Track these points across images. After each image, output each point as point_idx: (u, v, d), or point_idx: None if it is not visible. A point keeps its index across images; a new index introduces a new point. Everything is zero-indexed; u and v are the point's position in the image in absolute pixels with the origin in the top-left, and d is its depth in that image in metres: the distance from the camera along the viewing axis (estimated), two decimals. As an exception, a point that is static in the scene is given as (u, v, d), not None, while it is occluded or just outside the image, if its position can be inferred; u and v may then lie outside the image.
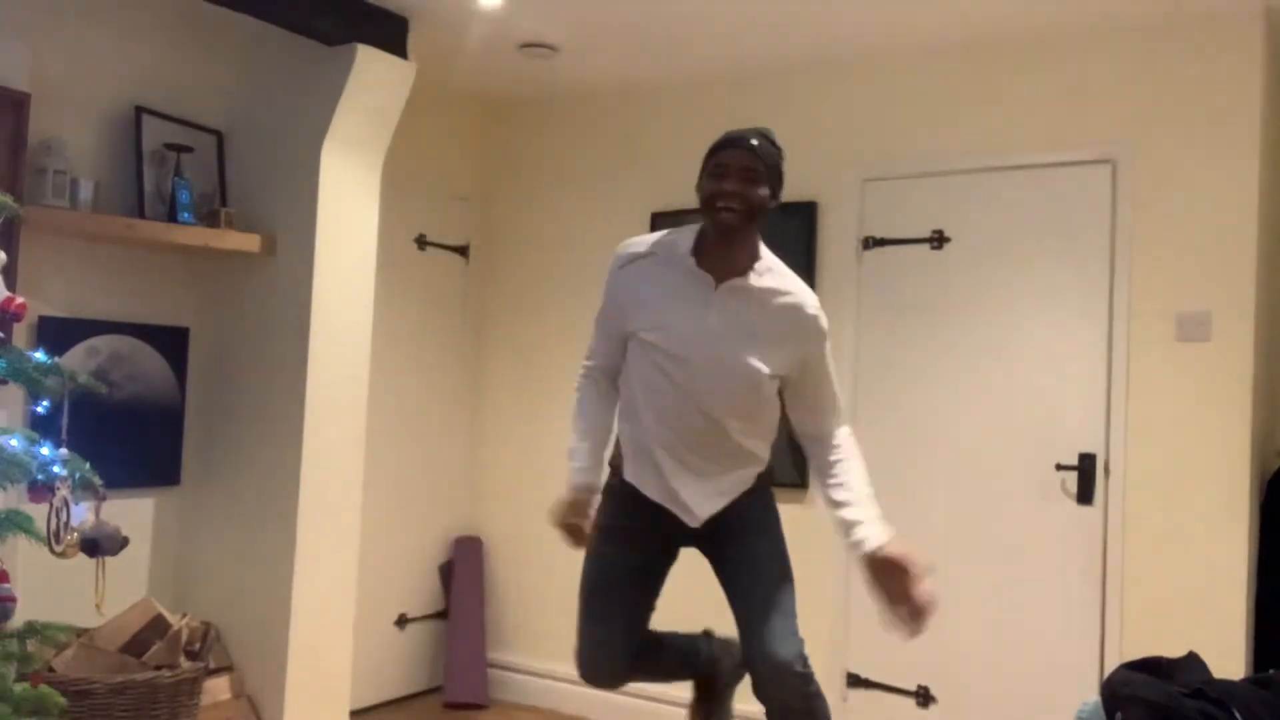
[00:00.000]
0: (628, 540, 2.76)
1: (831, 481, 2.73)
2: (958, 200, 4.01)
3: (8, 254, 2.62)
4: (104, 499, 2.67)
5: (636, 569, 2.79)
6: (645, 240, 2.74)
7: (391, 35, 3.95)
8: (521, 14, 3.90)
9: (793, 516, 4.22)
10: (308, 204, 3.84)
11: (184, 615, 3.57)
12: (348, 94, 3.81)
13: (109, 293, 3.76)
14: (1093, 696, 2.78)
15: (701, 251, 2.62)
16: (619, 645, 2.77)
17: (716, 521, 2.72)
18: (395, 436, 4.59)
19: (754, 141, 2.59)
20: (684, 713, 4.44)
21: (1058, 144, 3.83)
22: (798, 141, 4.36)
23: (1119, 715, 2.52)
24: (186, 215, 3.75)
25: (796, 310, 2.62)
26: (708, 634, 2.99)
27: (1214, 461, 3.54)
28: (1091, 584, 3.70)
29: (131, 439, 3.79)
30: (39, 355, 2.53)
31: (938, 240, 4.04)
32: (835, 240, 4.23)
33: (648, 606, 2.83)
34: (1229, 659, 3.40)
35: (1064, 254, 3.81)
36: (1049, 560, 3.77)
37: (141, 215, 3.68)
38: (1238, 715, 2.39)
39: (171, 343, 3.94)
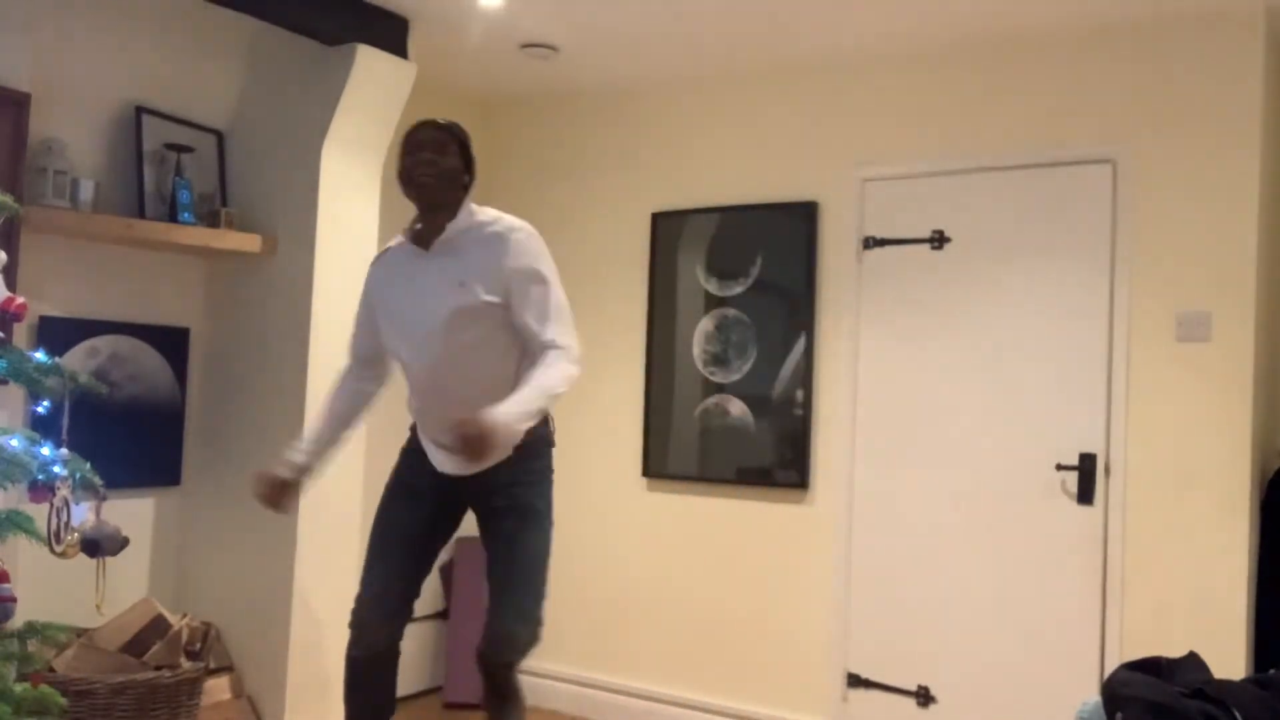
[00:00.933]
0: (411, 497, 3.05)
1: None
2: (958, 200, 4.01)
3: (8, 254, 2.62)
4: (104, 499, 2.67)
5: (405, 522, 3.05)
6: (391, 242, 3.10)
7: (391, 35, 3.95)
8: (521, 14, 3.90)
9: (792, 517, 4.26)
10: (308, 204, 3.84)
11: (184, 615, 3.57)
12: (348, 94, 3.81)
13: (109, 293, 3.77)
14: (1093, 696, 2.78)
15: (415, 232, 2.99)
16: (396, 603, 3.03)
17: (488, 485, 2.94)
18: (395, 436, 4.58)
19: (440, 120, 2.97)
20: (684, 713, 4.47)
21: (1058, 144, 3.83)
22: (798, 141, 4.39)
23: (1119, 715, 2.52)
24: (187, 215, 3.75)
25: (495, 236, 2.92)
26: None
27: (1214, 461, 3.54)
28: (1091, 584, 3.70)
29: (131, 439, 3.79)
30: (39, 355, 2.54)
31: (938, 240, 4.04)
32: (835, 240, 4.23)
33: (426, 564, 3.10)
34: (1229, 659, 3.40)
35: (1064, 254, 3.81)
36: (1049, 560, 3.77)
37: (141, 215, 3.69)
38: (1238, 715, 2.39)
39: (171, 343, 3.94)
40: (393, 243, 3.10)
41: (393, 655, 3.08)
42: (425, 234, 2.97)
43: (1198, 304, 3.59)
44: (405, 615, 3.07)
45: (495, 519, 3.01)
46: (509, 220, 2.98)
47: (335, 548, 3.91)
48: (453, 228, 2.93)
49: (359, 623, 3.02)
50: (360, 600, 3.04)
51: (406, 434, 3.18)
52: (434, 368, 2.93)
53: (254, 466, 3.90)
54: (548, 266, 2.96)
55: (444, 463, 2.99)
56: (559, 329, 2.90)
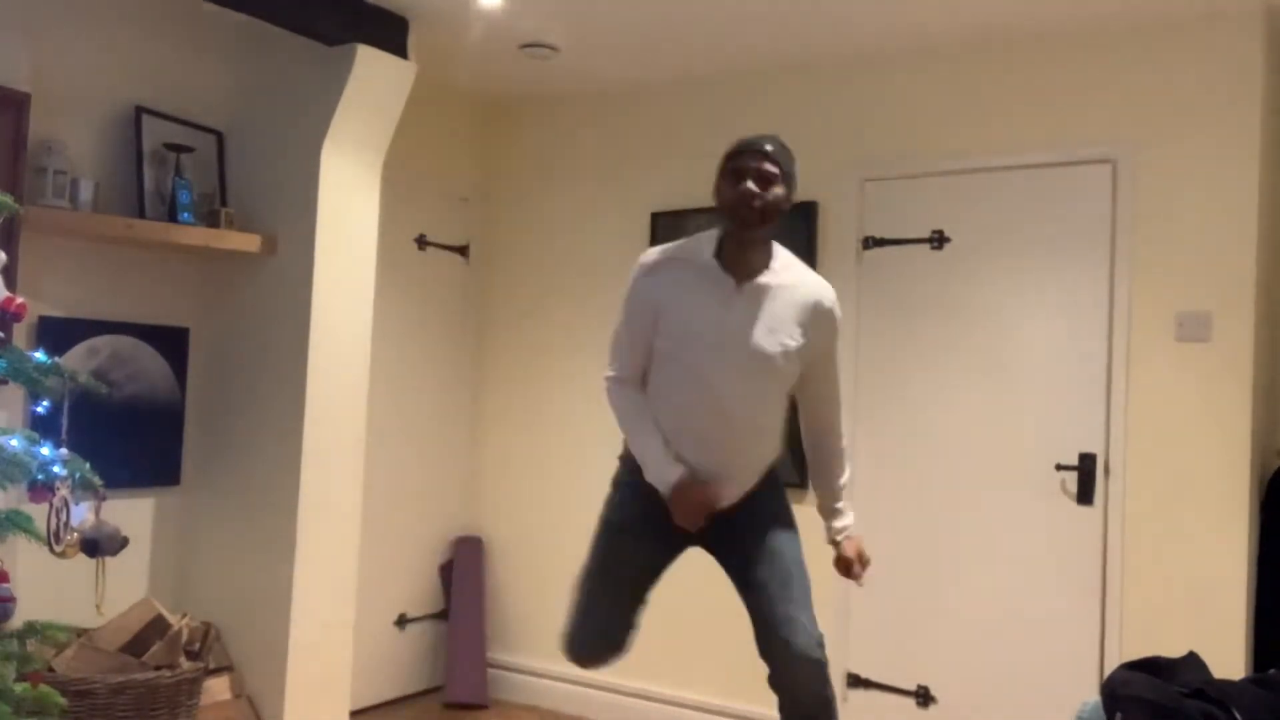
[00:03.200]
0: (637, 535, 2.84)
1: (824, 476, 2.97)
2: (958, 200, 4.01)
3: (8, 254, 2.62)
4: (104, 499, 2.67)
5: (642, 564, 2.88)
6: (668, 247, 2.84)
7: (391, 35, 3.95)
8: (521, 14, 3.90)
9: (793, 516, 4.25)
10: (308, 204, 3.84)
11: (184, 615, 3.57)
12: (348, 94, 3.81)
13: (109, 293, 3.76)
14: (1093, 696, 2.79)
15: (723, 254, 2.73)
16: (615, 635, 2.90)
17: (727, 520, 2.79)
18: (395, 436, 4.59)
19: (769, 147, 2.71)
20: (684, 713, 4.46)
21: (1058, 144, 3.83)
22: (798, 141, 4.33)
23: (1119, 715, 2.52)
24: (186, 215, 3.75)
25: (815, 303, 2.75)
26: None
27: (1214, 461, 3.54)
28: (1091, 584, 3.70)
29: (131, 439, 3.79)
30: (39, 355, 2.53)
31: (938, 240, 4.04)
32: (835, 240, 4.23)
33: (644, 600, 2.93)
34: (1229, 659, 3.40)
35: (1064, 254, 3.81)
36: (1049, 560, 3.77)
37: (141, 215, 3.69)
38: (1238, 715, 2.39)
39: (171, 343, 3.94)
40: (667, 254, 2.80)
41: (618, 656, 2.97)
42: (737, 265, 2.71)
43: (1198, 304, 3.58)
44: (625, 647, 2.94)
45: (740, 542, 2.82)
46: (827, 289, 2.80)
47: (335, 548, 3.92)
48: (775, 272, 2.73)
49: (582, 655, 2.92)
50: (582, 631, 2.90)
51: (618, 465, 2.95)
52: (726, 409, 2.72)
53: (253, 466, 3.92)
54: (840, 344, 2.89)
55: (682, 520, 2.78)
56: (840, 412, 2.93)
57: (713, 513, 2.74)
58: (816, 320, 2.75)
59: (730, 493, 2.78)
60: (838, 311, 2.81)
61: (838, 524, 2.94)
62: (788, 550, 2.81)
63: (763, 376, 2.73)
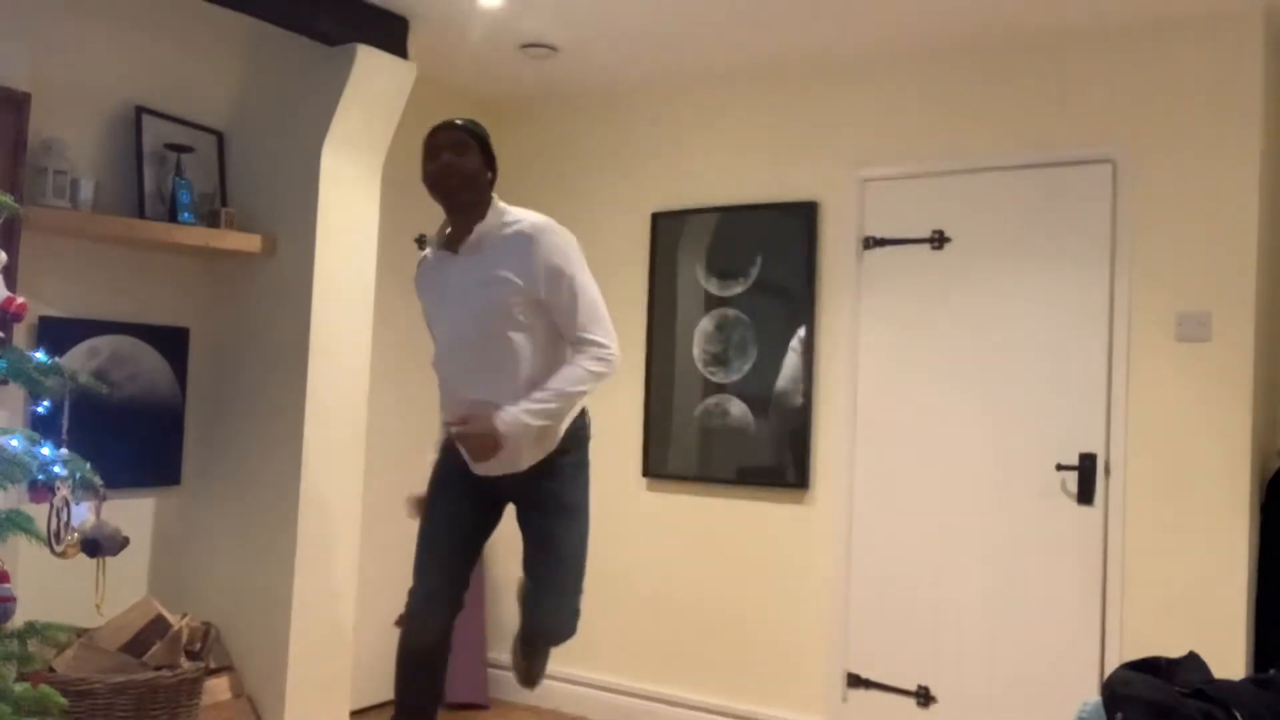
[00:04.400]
0: (454, 492, 3.11)
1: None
2: (958, 200, 4.01)
3: (8, 254, 2.62)
4: (104, 499, 2.67)
5: (464, 518, 3.13)
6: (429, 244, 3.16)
7: (391, 35, 3.95)
8: (521, 14, 3.90)
9: (792, 517, 4.26)
10: (308, 204, 3.84)
11: (184, 615, 3.57)
12: (348, 94, 3.81)
13: (109, 293, 3.76)
14: (1093, 696, 2.78)
15: (445, 236, 3.06)
16: (446, 595, 3.12)
17: (524, 479, 3.01)
18: (395, 436, 4.59)
19: (459, 121, 3.02)
20: (684, 713, 4.47)
21: (1058, 144, 3.83)
22: (798, 141, 4.38)
23: (1119, 715, 2.52)
24: (187, 215, 3.75)
25: (520, 236, 2.95)
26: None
27: (1214, 461, 3.54)
28: (1091, 584, 3.70)
29: (131, 439, 3.79)
30: (39, 355, 2.53)
31: (938, 240, 4.04)
32: (835, 240, 4.23)
33: (474, 555, 3.21)
34: (1229, 659, 3.40)
35: (1064, 254, 3.81)
36: (1049, 560, 3.77)
37: (141, 215, 3.69)
38: (1238, 715, 2.39)
39: (171, 343, 3.94)
40: (427, 248, 3.17)
41: (444, 647, 3.16)
42: (454, 237, 3.03)
43: (1198, 304, 3.59)
44: (456, 607, 3.15)
45: (532, 514, 3.09)
46: (533, 218, 2.99)
47: (335, 548, 3.92)
48: (479, 230, 2.97)
49: (412, 615, 3.12)
50: (413, 594, 3.13)
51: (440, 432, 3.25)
52: (468, 370, 2.99)
53: (253, 466, 3.92)
54: (575, 263, 2.97)
55: (476, 465, 3.02)
56: (587, 325, 2.94)
57: (495, 451, 2.87)
58: (529, 250, 2.91)
59: (510, 455, 2.92)
60: (547, 234, 2.93)
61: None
62: (568, 536, 3.07)
63: (493, 325, 2.90)
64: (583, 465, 3.12)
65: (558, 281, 2.92)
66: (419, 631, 3.12)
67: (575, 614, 3.14)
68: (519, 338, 2.93)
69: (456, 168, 2.95)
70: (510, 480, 3.04)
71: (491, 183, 3.05)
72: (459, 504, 3.12)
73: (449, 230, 3.06)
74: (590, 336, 2.94)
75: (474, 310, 2.95)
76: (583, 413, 3.13)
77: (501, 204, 3.04)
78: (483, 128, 3.06)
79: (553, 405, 2.89)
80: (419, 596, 3.12)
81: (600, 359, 2.94)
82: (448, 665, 3.21)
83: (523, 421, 2.86)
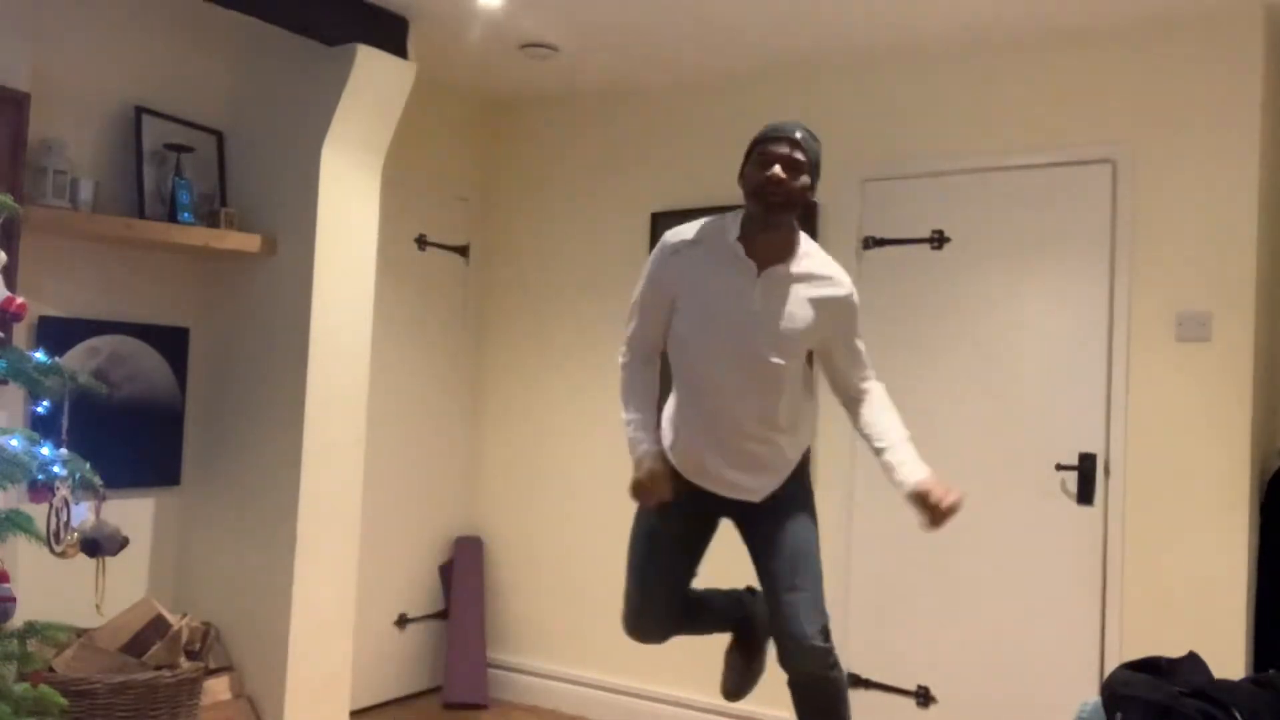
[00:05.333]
0: (671, 512, 2.86)
1: (869, 432, 2.88)
2: (958, 200, 4.01)
3: (8, 254, 2.62)
4: (104, 499, 2.67)
5: (680, 538, 2.92)
6: (691, 228, 2.86)
7: (391, 35, 3.95)
8: (521, 14, 3.90)
9: (793, 516, 4.25)
10: (308, 204, 3.84)
11: (184, 615, 3.57)
12: (348, 94, 3.81)
13: (109, 293, 3.76)
14: (1093, 696, 2.79)
15: (746, 238, 2.76)
16: (662, 610, 2.95)
17: (754, 507, 2.87)
18: (395, 436, 4.59)
19: (798, 134, 2.75)
20: (684, 713, 4.46)
21: (1058, 144, 3.83)
22: (798, 141, 4.38)
23: (1119, 715, 2.52)
24: (186, 215, 3.75)
25: (832, 293, 2.79)
26: (750, 590, 3.10)
27: (1214, 461, 3.54)
28: (1091, 584, 3.70)
29: (131, 439, 3.79)
30: (39, 355, 2.54)
31: (938, 240, 4.04)
32: (835, 240, 4.22)
33: (689, 573, 2.98)
34: (1229, 659, 3.39)
35: (1064, 254, 3.81)
36: (1049, 560, 3.77)
37: (141, 215, 3.69)
38: (1238, 715, 2.39)
39: (171, 343, 3.94)
40: (690, 235, 2.84)
41: (675, 629, 3.00)
42: (759, 250, 2.75)
43: (1198, 304, 3.58)
44: (672, 616, 2.98)
45: (768, 522, 2.87)
46: (840, 274, 2.84)
47: (335, 548, 3.92)
48: (800, 260, 2.77)
49: (633, 630, 2.98)
50: (633, 612, 2.96)
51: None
52: (741, 391, 2.78)
53: (253, 466, 3.91)
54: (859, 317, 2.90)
55: (717, 484, 2.85)
56: (864, 366, 2.92)
57: (657, 497, 2.76)
58: (833, 308, 2.80)
59: (753, 479, 2.82)
60: (854, 296, 2.85)
61: (896, 476, 2.78)
62: (802, 540, 2.84)
63: (773, 367, 2.75)
64: (809, 479, 3.01)
65: (851, 339, 2.88)
66: (645, 637, 2.99)
67: (824, 616, 2.80)
68: (790, 372, 2.80)
69: (790, 187, 2.71)
70: (738, 505, 2.88)
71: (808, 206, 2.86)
72: (681, 520, 2.90)
73: (744, 235, 2.77)
74: (874, 378, 2.93)
75: (769, 337, 2.74)
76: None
77: (803, 235, 2.84)
78: (818, 146, 2.80)
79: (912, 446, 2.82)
80: (638, 608, 2.95)
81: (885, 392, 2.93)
82: (697, 604, 3.01)
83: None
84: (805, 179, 2.72)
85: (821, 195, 4.21)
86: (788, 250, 2.76)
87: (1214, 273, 3.57)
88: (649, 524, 2.92)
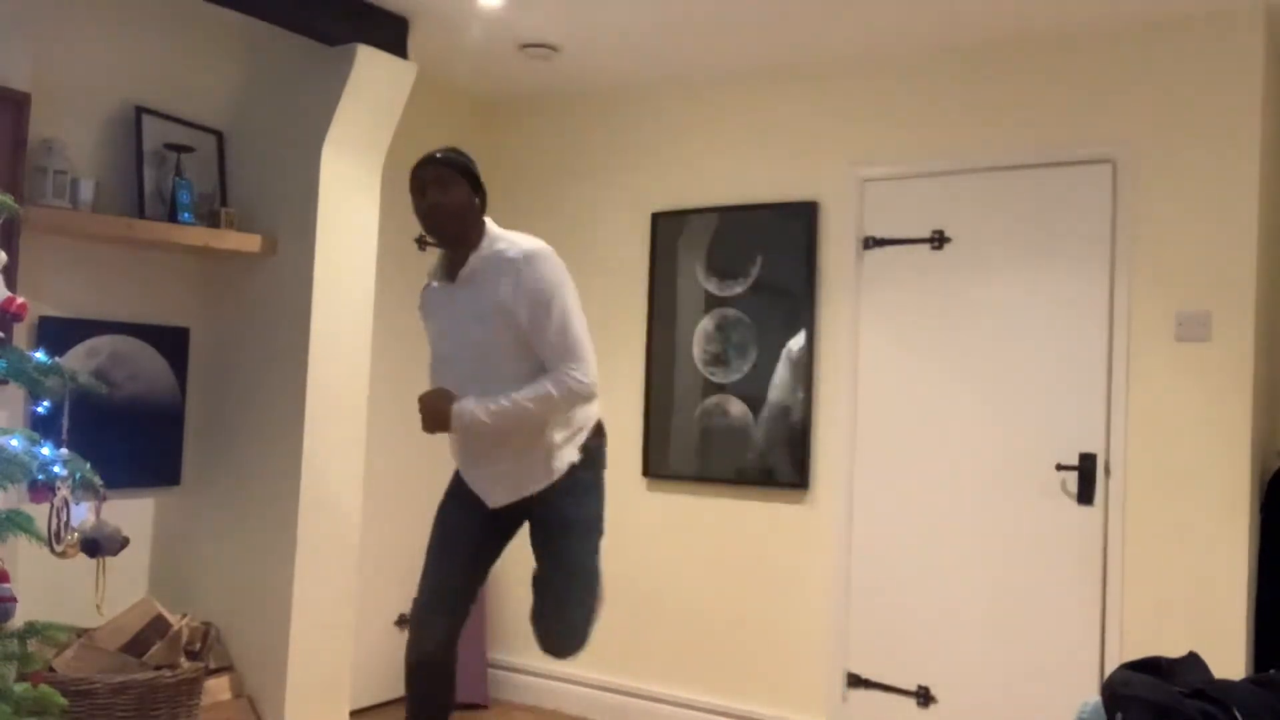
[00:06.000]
0: (465, 505, 3.10)
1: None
2: (958, 200, 4.01)
3: (8, 254, 2.62)
4: (104, 499, 2.67)
5: (473, 531, 3.11)
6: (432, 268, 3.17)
7: (391, 35, 3.95)
8: (521, 14, 3.90)
9: (792, 516, 4.26)
10: (308, 204, 3.84)
11: (184, 615, 3.57)
12: (348, 94, 3.81)
13: (109, 293, 3.76)
14: (1093, 696, 2.78)
15: (446, 264, 3.06)
16: (447, 607, 3.08)
17: (536, 507, 3.07)
18: (395, 436, 4.59)
19: (439, 154, 3.00)
20: (684, 713, 4.46)
21: (1058, 144, 3.83)
22: (798, 141, 4.38)
23: (1119, 715, 2.52)
24: (187, 215, 3.75)
25: (507, 262, 2.94)
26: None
27: (1214, 461, 3.54)
28: (1091, 584, 3.70)
29: (131, 439, 3.79)
30: (39, 355, 2.53)
31: (938, 240, 4.04)
32: (835, 240, 4.23)
33: (483, 569, 3.19)
34: (1229, 659, 3.40)
35: (1064, 254, 3.81)
36: (1049, 560, 3.77)
37: (141, 215, 3.68)
38: (1238, 715, 2.39)
39: (171, 343, 3.94)
40: (430, 275, 3.17)
41: (448, 658, 3.12)
42: (453, 266, 3.03)
43: (1198, 304, 3.59)
44: (460, 618, 3.11)
45: (540, 530, 3.10)
46: (522, 244, 2.98)
47: (335, 548, 3.92)
48: (473, 260, 2.97)
49: (415, 624, 3.10)
50: (417, 604, 3.11)
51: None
52: (467, 386, 2.98)
53: (254, 466, 3.92)
54: (560, 293, 2.95)
55: (488, 497, 3.07)
56: (562, 356, 2.94)
57: (441, 427, 2.97)
58: (510, 276, 2.90)
59: (497, 484, 3.02)
60: (533, 261, 2.92)
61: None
62: (576, 551, 3.08)
63: (491, 359, 2.92)
64: (592, 485, 3.12)
65: (538, 310, 2.92)
66: (419, 641, 3.09)
67: (583, 632, 3.11)
68: (511, 369, 2.94)
69: (443, 206, 2.95)
70: (520, 506, 3.07)
71: (481, 209, 3.03)
72: (470, 515, 3.10)
73: (449, 259, 3.06)
74: (562, 367, 2.94)
75: (471, 342, 2.97)
76: (599, 435, 3.15)
77: (495, 230, 3.03)
78: (464, 156, 3.04)
79: (506, 408, 2.89)
80: (421, 607, 3.11)
81: (561, 382, 2.92)
82: (454, 675, 3.17)
83: (476, 416, 2.91)
84: (457, 191, 2.92)
85: (821, 195, 4.25)
86: (473, 249, 2.97)
87: (1214, 273, 3.57)
88: (444, 515, 3.15)
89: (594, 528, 3.11)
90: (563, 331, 2.93)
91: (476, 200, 3.01)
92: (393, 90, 3.97)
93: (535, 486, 3.03)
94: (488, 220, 3.05)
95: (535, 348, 2.94)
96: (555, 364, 2.93)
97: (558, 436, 3.01)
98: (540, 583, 3.14)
